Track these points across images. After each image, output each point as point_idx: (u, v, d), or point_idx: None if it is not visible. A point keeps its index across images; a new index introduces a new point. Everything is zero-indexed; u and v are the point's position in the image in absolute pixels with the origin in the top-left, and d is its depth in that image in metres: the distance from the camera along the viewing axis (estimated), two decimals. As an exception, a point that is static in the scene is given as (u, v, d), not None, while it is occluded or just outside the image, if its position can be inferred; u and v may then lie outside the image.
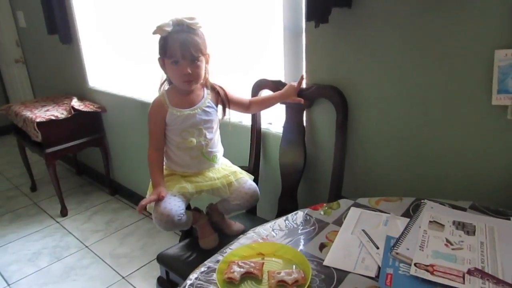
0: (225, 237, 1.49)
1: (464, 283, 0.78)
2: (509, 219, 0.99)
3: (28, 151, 2.98)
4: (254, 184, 1.48)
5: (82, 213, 2.80)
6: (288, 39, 1.55)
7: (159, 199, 1.32)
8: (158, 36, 1.34)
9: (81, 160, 3.41)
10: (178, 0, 2.05)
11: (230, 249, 0.96)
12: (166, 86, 1.45)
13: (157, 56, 1.37)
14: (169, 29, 1.28)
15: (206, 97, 1.43)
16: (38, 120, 2.48)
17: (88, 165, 3.35)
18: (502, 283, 0.77)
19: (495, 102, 1.09)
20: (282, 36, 1.57)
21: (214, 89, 1.45)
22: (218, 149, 1.50)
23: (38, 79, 3.73)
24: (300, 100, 1.46)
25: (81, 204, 2.92)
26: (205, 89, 1.44)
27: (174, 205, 1.33)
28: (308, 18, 1.31)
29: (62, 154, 2.73)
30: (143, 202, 1.31)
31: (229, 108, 1.49)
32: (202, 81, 1.39)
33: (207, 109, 1.41)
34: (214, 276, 0.86)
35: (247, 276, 0.85)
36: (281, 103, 1.55)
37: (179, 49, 1.28)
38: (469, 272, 0.80)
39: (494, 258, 0.84)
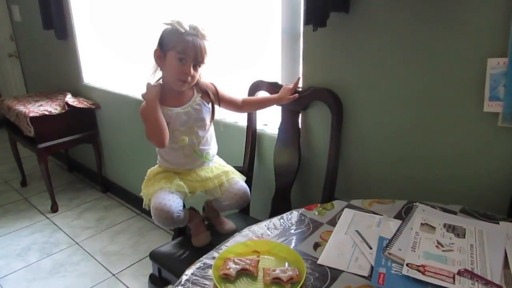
0: (217, 236, 1.50)
1: (454, 283, 0.80)
2: (498, 223, 1.01)
3: (20, 146, 2.96)
4: (244, 185, 1.49)
5: (73, 209, 2.78)
6: (286, 42, 1.58)
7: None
8: (157, 30, 1.35)
9: (73, 156, 3.39)
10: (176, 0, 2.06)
11: (226, 246, 0.97)
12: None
13: (156, 47, 1.36)
14: (187, 28, 1.31)
15: (196, 95, 1.44)
16: (31, 115, 2.46)
17: (79, 162, 3.34)
18: (491, 284, 0.80)
19: (486, 109, 1.12)
20: (280, 39, 1.59)
21: (204, 87, 1.46)
22: (211, 146, 1.50)
23: (31, 74, 3.71)
24: (294, 96, 1.48)
25: (72, 200, 2.91)
26: (194, 88, 1.45)
27: (173, 201, 1.34)
28: (307, 22, 1.33)
29: (54, 150, 2.72)
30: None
31: (219, 105, 1.49)
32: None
33: (197, 107, 1.42)
34: (210, 272, 0.87)
35: (243, 272, 0.87)
36: (277, 104, 1.56)
37: (193, 50, 1.30)
38: (459, 273, 0.83)
39: (483, 260, 0.87)
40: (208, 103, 1.46)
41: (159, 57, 1.36)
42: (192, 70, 1.33)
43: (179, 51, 1.31)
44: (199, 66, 1.35)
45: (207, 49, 1.35)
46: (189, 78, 1.34)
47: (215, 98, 1.46)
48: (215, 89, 1.47)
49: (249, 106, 1.58)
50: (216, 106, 1.47)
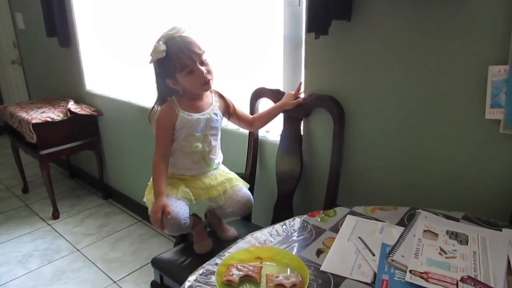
0: (219, 243, 1.50)
1: (457, 290, 0.80)
2: (501, 230, 1.01)
3: (22, 153, 2.96)
4: (248, 192, 1.50)
5: (74, 216, 2.78)
6: (288, 49, 1.59)
7: (164, 212, 1.30)
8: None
9: (74, 163, 3.39)
10: (176, 7, 2.08)
11: (229, 252, 0.97)
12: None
13: (166, 80, 1.36)
14: (164, 48, 1.30)
15: (215, 104, 1.45)
16: (34, 121, 2.47)
17: (81, 169, 3.34)
18: (494, 291, 0.80)
19: (488, 116, 1.12)
20: (282, 46, 1.60)
21: (222, 99, 1.48)
22: (218, 156, 1.52)
23: (34, 81, 3.73)
24: (298, 101, 1.50)
25: (73, 207, 2.91)
26: (212, 96, 1.46)
27: (181, 208, 1.34)
28: (309, 30, 1.34)
29: (56, 156, 2.73)
30: (156, 222, 1.30)
31: (236, 123, 1.53)
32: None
33: (214, 116, 1.43)
34: (213, 278, 0.87)
35: (246, 279, 0.87)
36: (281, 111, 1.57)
37: (187, 56, 1.29)
38: (462, 279, 0.83)
39: (486, 267, 0.87)
40: (223, 114, 1.48)
41: (175, 84, 1.36)
42: (203, 69, 1.32)
43: (180, 69, 1.31)
44: (205, 58, 1.34)
45: (193, 39, 1.33)
46: (208, 76, 1.33)
47: (232, 113, 1.50)
48: (233, 106, 1.50)
49: (259, 121, 1.58)
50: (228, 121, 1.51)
